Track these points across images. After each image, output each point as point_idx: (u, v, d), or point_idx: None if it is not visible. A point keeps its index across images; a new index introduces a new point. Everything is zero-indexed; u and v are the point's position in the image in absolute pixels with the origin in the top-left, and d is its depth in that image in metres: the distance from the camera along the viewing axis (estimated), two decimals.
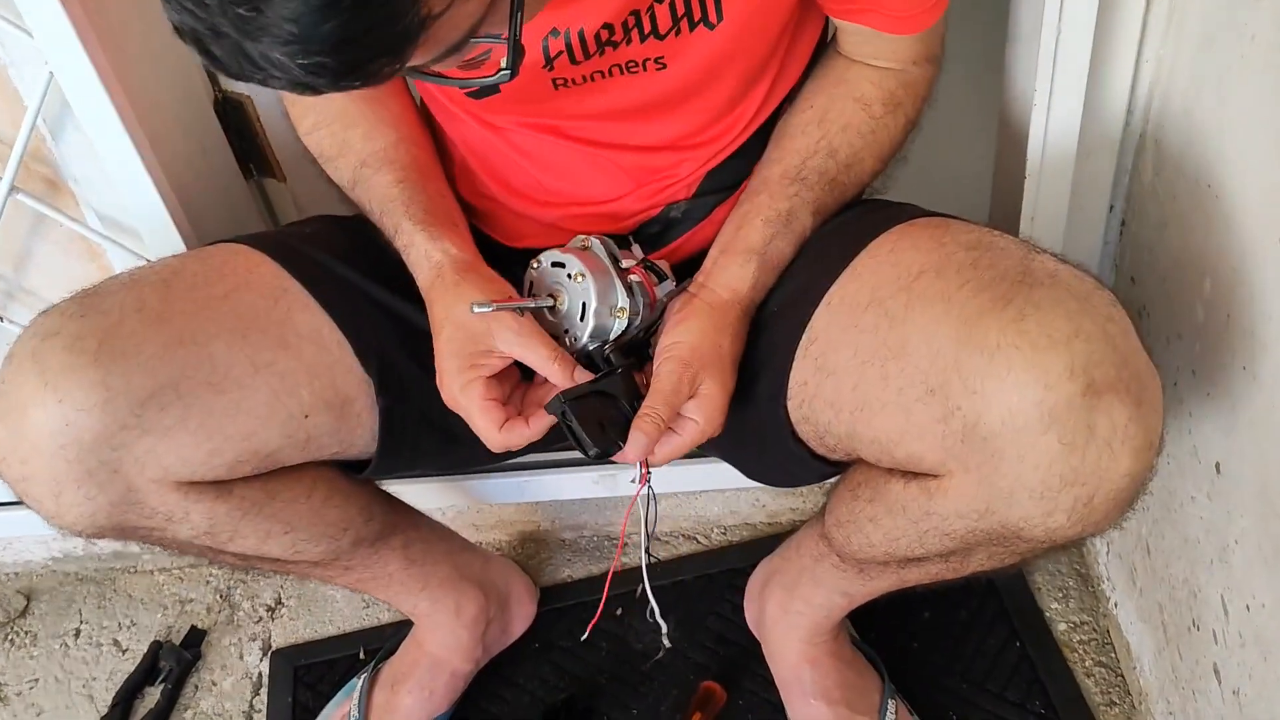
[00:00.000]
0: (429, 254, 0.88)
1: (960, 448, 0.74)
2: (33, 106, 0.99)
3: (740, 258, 0.88)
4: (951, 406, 0.73)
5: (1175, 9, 0.91)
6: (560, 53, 0.83)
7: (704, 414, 0.83)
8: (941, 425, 0.74)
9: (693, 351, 0.84)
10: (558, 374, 0.83)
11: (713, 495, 1.38)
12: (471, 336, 0.84)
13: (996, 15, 1.05)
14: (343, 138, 0.93)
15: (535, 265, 0.88)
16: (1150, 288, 1.02)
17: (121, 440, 0.81)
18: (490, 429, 0.84)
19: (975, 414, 0.71)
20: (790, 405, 0.87)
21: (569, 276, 0.86)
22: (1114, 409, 0.69)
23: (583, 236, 0.91)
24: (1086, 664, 1.23)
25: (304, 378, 0.87)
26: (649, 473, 0.86)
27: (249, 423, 0.85)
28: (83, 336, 0.80)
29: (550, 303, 0.86)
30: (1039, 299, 0.71)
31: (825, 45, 0.96)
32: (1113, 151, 1.02)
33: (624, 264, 0.89)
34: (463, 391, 0.84)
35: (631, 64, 0.85)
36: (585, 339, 0.86)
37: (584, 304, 0.86)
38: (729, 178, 0.96)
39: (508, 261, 1.02)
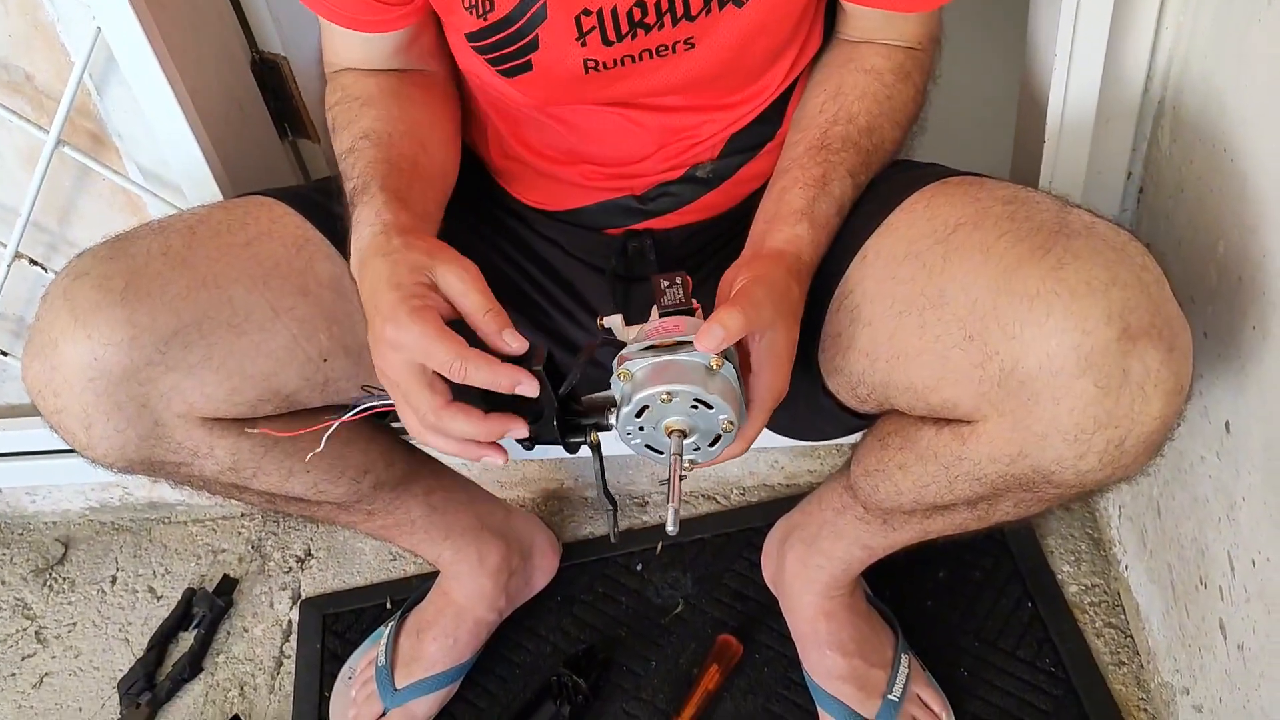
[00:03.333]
0: (380, 213, 0.83)
1: (996, 392, 0.76)
2: (79, 62, 1.03)
3: (789, 220, 0.86)
4: (990, 351, 0.75)
5: None
6: (593, 28, 0.85)
7: (771, 364, 0.78)
8: (979, 370, 0.77)
9: (771, 286, 0.79)
10: (489, 326, 0.76)
11: None
12: (412, 267, 0.77)
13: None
14: (357, 113, 0.93)
15: (666, 399, 0.74)
16: (1166, 252, 1.03)
17: (148, 375, 0.84)
18: (453, 351, 0.74)
19: (1013, 358, 0.74)
20: (823, 359, 0.89)
21: (717, 419, 0.75)
22: (1148, 354, 0.72)
23: (709, 357, 0.74)
24: (1097, 625, 1.25)
25: (323, 323, 0.91)
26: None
27: (269, 364, 0.89)
28: (111, 276, 0.84)
29: (681, 441, 0.76)
30: (1077, 248, 0.74)
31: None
32: (1131, 118, 1.03)
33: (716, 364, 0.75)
34: (413, 316, 0.74)
35: (662, 48, 0.87)
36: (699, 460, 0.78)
37: (721, 439, 0.76)
38: (753, 139, 0.98)
39: (525, 218, 1.05)
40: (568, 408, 0.79)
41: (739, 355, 0.77)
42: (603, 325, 0.80)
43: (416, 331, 0.74)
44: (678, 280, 0.80)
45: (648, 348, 0.75)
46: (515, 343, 0.76)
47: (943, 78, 0.98)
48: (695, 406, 0.74)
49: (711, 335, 0.72)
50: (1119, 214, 1.12)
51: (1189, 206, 0.98)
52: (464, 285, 0.77)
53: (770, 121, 0.97)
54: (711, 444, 0.76)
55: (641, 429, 0.76)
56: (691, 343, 0.73)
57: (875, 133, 0.91)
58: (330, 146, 0.95)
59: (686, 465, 0.76)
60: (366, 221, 0.84)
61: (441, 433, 0.77)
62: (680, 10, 0.85)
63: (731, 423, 0.74)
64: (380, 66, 0.96)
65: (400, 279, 0.77)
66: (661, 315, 0.78)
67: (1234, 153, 0.88)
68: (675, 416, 0.75)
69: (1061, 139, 1.02)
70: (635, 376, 0.75)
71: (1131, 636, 1.23)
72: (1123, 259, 0.73)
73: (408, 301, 0.75)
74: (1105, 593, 1.28)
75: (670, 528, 0.72)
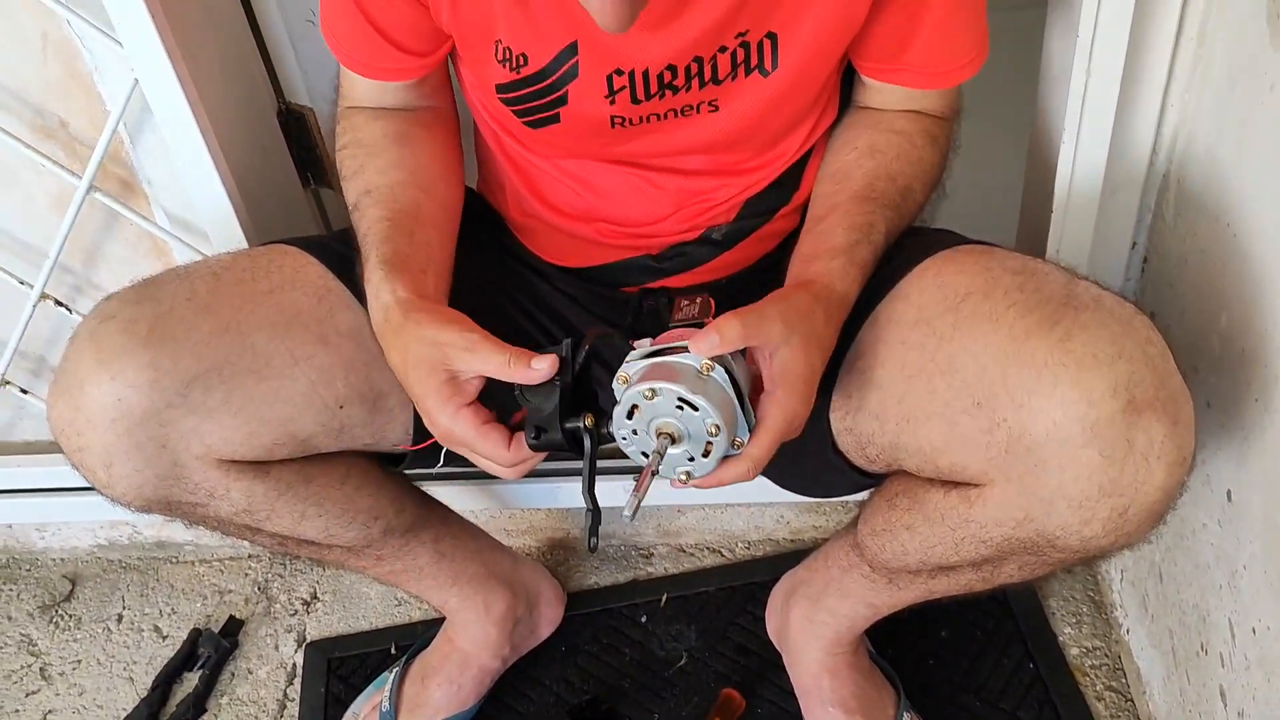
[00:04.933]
0: (379, 291, 0.87)
1: (1004, 458, 0.78)
2: (116, 111, 1.06)
3: (826, 255, 0.86)
4: (998, 418, 0.77)
5: (1200, 57, 0.95)
6: (623, 88, 0.88)
7: (784, 385, 0.77)
8: (987, 436, 0.78)
9: (788, 305, 0.79)
10: (520, 374, 0.79)
11: (738, 510, 1.42)
12: (432, 367, 0.82)
13: (1029, 56, 1.09)
14: (362, 162, 0.96)
15: (649, 395, 0.76)
16: (1170, 322, 1.05)
17: (168, 417, 0.86)
18: (498, 449, 0.82)
19: (1021, 426, 0.76)
20: (833, 418, 0.91)
21: (704, 423, 0.76)
22: (1152, 426, 0.74)
23: (700, 360, 0.76)
24: (1097, 688, 1.26)
25: (340, 372, 0.93)
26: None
27: (286, 409, 0.91)
28: (136, 320, 0.86)
29: (668, 444, 0.77)
30: (1085, 321, 0.76)
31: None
32: (1137, 190, 1.06)
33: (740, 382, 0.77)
34: (454, 421, 0.82)
35: (687, 108, 0.90)
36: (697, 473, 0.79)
37: (710, 447, 0.77)
38: (768, 203, 1.00)
39: (542, 273, 1.07)
40: (576, 398, 0.81)
41: (753, 374, 0.79)
42: (633, 346, 0.81)
43: (459, 435, 0.82)
44: (698, 300, 0.83)
45: (650, 353, 0.78)
46: (545, 365, 0.79)
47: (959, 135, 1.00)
48: (681, 407, 0.75)
49: (706, 339, 0.74)
50: (1124, 283, 1.14)
51: (1192, 278, 1.00)
52: (474, 357, 0.81)
53: (786, 186, 1.00)
54: (706, 455, 0.77)
55: (635, 432, 0.78)
56: (688, 347, 0.75)
57: (910, 194, 0.93)
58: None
59: (681, 477, 0.78)
60: (373, 297, 0.88)
61: (517, 463, 0.84)
62: (708, 74, 0.88)
63: (718, 427, 0.75)
64: (391, 105, 0.99)
65: (427, 386, 0.82)
66: (670, 327, 0.80)
67: (1236, 227, 0.90)
68: (664, 418, 0.76)
69: (1069, 209, 1.04)
70: (630, 378, 0.77)
71: (1132, 700, 1.24)
72: (1128, 332, 0.75)
73: (446, 406, 0.82)
74: (1106, 656, 1.29)
75: (626, 513, 0.75)
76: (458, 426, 0.82)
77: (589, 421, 0.80)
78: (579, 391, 0.81)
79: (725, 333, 0.74)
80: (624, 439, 0.78)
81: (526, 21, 0.86)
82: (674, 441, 0.76)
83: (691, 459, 0.78)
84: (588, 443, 0.80)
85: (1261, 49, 0.84)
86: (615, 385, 0.78)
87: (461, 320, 0.84)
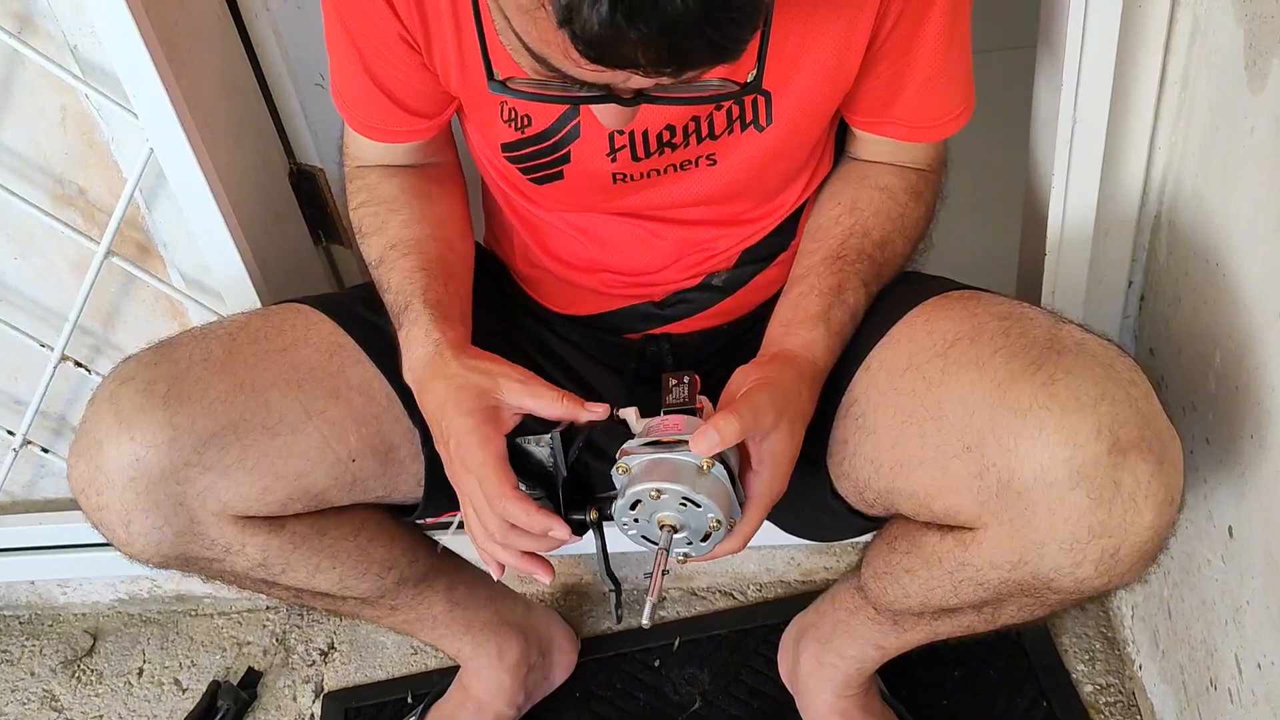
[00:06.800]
0: (429, 332, 0.88)
1: (995, 502, 0.79)
2: (132, 179, 1.09)
3: (805, 324, 0.89)
4: (987, 463, 0.79)
5: (1184, 102, 0.97)
6: (624, 147, 0.91)
7: (771, 465, 0.81)
8: (977, 480, 0.80)
9: (778, 390, 0.82)
10: (570, 411, 0.82)
11: (749, 553, 1.43)
12: (478, 392, 0.83)
13: (1021, 105, 1.12)
14: (384, 219, 0.97)
15: (655, 495, 0.78)
16: (1167, 359, 1.07)
17: (185, 475, 0.89)
18: (503, 487, 0.80)
19: (1009, 470, 0.77)
20: (831, 463, 0.93)
21: (705, 517, 0.79)
22: (1138, 467, 0.75)
23: (701, 459, 0.77)
24: None
25: (352, 426, 0.95)
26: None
27: (300, 464, 0.93)
28: (155, 381, 0.89)
29: (670, 536, 0.80)
30: (1068, 365, 0.77)
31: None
32: (1129, 231, 1.08)
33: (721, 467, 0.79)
34: (482, 446, 0.81)
35: (686, 163, 0.93)
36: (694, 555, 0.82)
37: (711, 537, 0.80)
38: (766, 251, 1.03)
39: (547, 321, 1.09)
40: (576, 486, 0.84)
41: (741, 452, 0.81)
42: (618, 416, 0.84)
43: (477, 463, 0.82)
44: (685, 379, 0.85)
45: (648, 443, 0.80)
46: (600, 410, 0.82)
47: (952, 195, 1.03)
48: (684, 504, 0.78)
49: (706, 439, 0.76)
50: (1122, 321, 1.15)
51: (1186, 316, 1.01)
52: (526, 389, 0.83)
53: (784, 234, 1.02)
54: (704, 539, 0.80)
55: (637, 520, 0.80)
56: (688, 442, 0.77)
57: (888, 246, 0.95)
58: (357, 246, 1.01)
59: (680, 558, 0.81)
60: (418, 342, 0.89)
61: (505, 536, 0.83)
62: (705, 131, 0.90)
63: (719, 521, 0.78)
64: (400, 164, 1.01)
65: (469, 405, 0.83)
66: (665, 413, 0.82)
67: (1225, 267, 0.92)
68: (667, 511, 0.78)
69: (1062, 251, 1.06)
70: (632, 470, 0.79)
71: None
72: (1111, 375, 0.77)
73: (479, 430, 0.82)
74: (1120, 692, 1.28)
75: (645, 621, 0.76)
76: (484, 451, 0.81)
77: (594, 515, 0.83)
78: (575, 478, 0.84)
79: (724, 431, 0.77)
80: (624, 524, 0.81)
81: None
82: (675, 531, 0.80)
83: (689, 543, 0.81)
84: (596, 538, 0.84)
85: (1240, 93, 0.86)
86: (615, 475, 0.80)
87: (508, 361, 0.86)
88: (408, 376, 0.90)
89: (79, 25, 1.02)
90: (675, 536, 0.80)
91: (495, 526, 0.83)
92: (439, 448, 0.88)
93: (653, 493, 0.77)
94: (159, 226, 1.17)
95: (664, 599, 1.44)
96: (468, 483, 0.84)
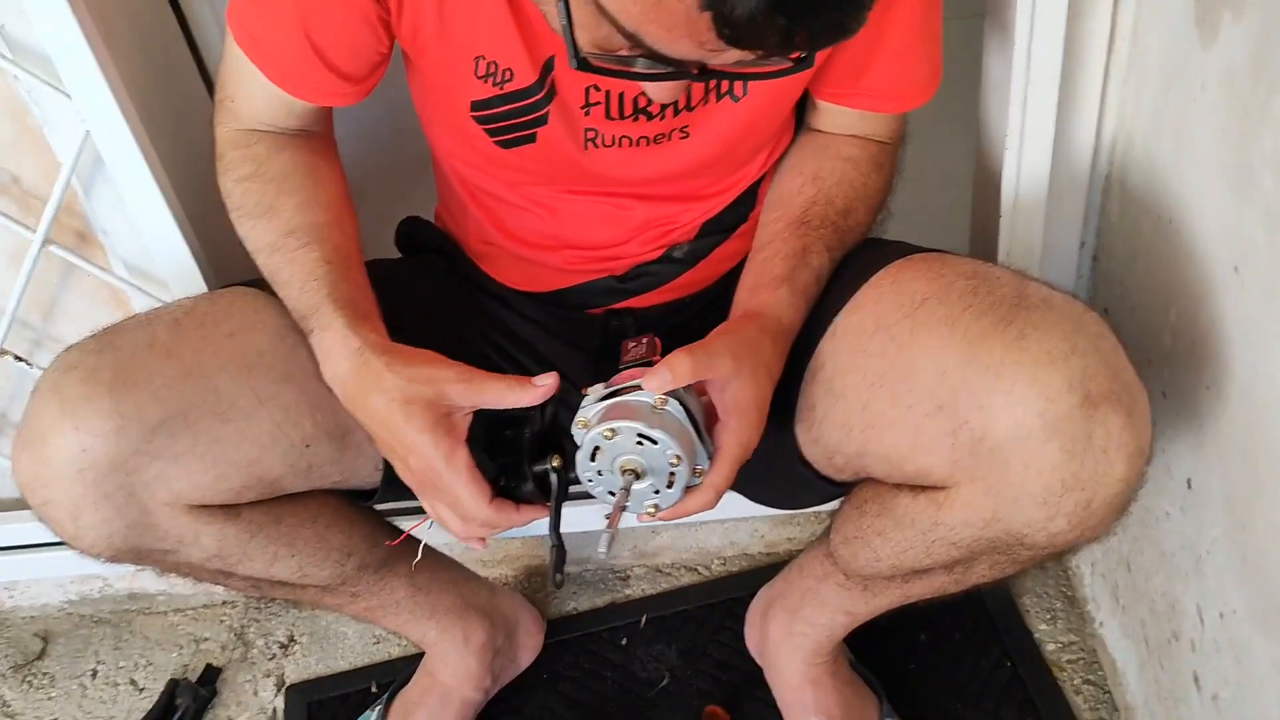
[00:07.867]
0: (347, 340, 0.86)
1: (969, 459, 0.80)
2: (68, 164, 1.05)
3: (769, 286, 0.90)
4: (960, 421, 0.79)
5: (1134, 58, 0.98)
6: (598, 103, 0.89)
7: (737, 414, 0.81)
8: (950, 439, 0.80)
9: (736, 339, 0.83)
10: (525, 396, 0.82)
11: (712, 526, 1.43)
12: (425, 405, 0.81)
13: (972, 68, 1.12)
14: (273, 202, 0.92)
15: (609, 435, 0.79)
16: (1122, 317, 1.08)
17: (134, 465, 0.86)
18: (478, 502, 0.83)
19: (983, 427, 0.78)
20: (799, 429, 0.93)
21: (664, 455, 0.79)
22: (1109, 418, 0.76)
23: (654, 396, 0.79)
24: (1075, 682, 1.28)
25: (306, 410, 0.92)
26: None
27: (253, 450, 0.91)
28: (98, 369, 0.86)
29: (633, 480, 0.80)
30: (1037, 320, 0.78)
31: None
32: (1082, 191, 1.09)
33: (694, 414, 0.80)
34: (448, 462, 0.81)
35: (660, 136, 0.92)
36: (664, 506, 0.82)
37: (675, 478, 0.80)
38: (726, 222, 1.02)
39: (506, 300, 1.08)
40: (543, 445, 0.84)
41: (706, 406, 0.82)
42: (585, 393, 0.84)
43: (447, 479, 0.82)
44: (645, 341, 0.87)
45: (605, 395, 0.81)
46: (550, 380, 0.82)
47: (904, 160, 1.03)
48: (641, 442, 0.78)
49: (658, 376, 0.77)
50: (1075, 281, 1.17)
51: (1141, 274, 1.03)
52: (471, 389, 0.82)
53: (744, 205, 1.02)
54: (669, 485, 0.80)
55: (600, 474, 0.80)
56: (641, 386, 0.79)
57: (851, 215, 0.96)
58: (233, 222, 0.95)
59: (650, 509, 0.81)
60: (338, 352, 0.86)
61: (492, 523, 0.85)
62: (681, 101, 0.89)
63: (679, 457, 0.78)
64: (292, 127, 0.95)
65: (421, 421, 0.81)
66: (621, 369, 0.83)
67: (1178, 224, 0.93)
68: (626, 455, 0.79)
69: (1016, 213, 1.07)
70: (589, 421, 0.80)
71: (1110, 692, 1.26)
72: (1080, 329, 0.77)
73: (441, 445, 0.81)
74: (1082, 650, 1.30)
75: (600, 549, 0.76)
76: (450, 468, 0.81)
77: (556, 463, 0.83)
78: (546, 440, 0.84)
79: (676, 369, 0.77)
80: (589, 480, 0.81)
81: (518, 36, 0.85)
82: (638, 476, 0.80)
83: (656, 491, 0.81)
84: (554, 480, 0.83)
85: (1191, 49, 0.87)
86: (575, 430, 0.81)
87: (440, 357, 0.84)
88: (331, 384, 0.88)
89: (7, 4, 0.98)
90: (641, 486, 0.80)
91: (477, 528, 0.85)
92: (389, 457, 0.86)
93: (607, 432, 0.78)
94: (98, 213, 1.13)
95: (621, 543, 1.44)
96: (436, 496, 0.85)
